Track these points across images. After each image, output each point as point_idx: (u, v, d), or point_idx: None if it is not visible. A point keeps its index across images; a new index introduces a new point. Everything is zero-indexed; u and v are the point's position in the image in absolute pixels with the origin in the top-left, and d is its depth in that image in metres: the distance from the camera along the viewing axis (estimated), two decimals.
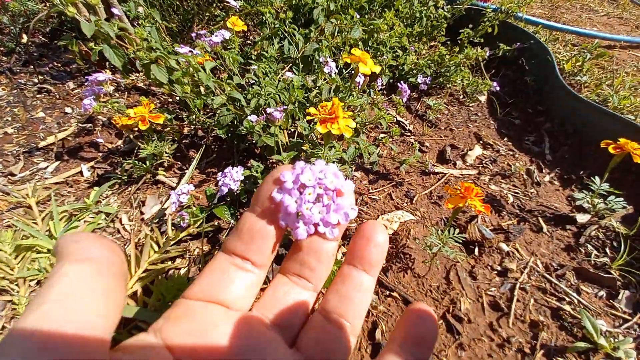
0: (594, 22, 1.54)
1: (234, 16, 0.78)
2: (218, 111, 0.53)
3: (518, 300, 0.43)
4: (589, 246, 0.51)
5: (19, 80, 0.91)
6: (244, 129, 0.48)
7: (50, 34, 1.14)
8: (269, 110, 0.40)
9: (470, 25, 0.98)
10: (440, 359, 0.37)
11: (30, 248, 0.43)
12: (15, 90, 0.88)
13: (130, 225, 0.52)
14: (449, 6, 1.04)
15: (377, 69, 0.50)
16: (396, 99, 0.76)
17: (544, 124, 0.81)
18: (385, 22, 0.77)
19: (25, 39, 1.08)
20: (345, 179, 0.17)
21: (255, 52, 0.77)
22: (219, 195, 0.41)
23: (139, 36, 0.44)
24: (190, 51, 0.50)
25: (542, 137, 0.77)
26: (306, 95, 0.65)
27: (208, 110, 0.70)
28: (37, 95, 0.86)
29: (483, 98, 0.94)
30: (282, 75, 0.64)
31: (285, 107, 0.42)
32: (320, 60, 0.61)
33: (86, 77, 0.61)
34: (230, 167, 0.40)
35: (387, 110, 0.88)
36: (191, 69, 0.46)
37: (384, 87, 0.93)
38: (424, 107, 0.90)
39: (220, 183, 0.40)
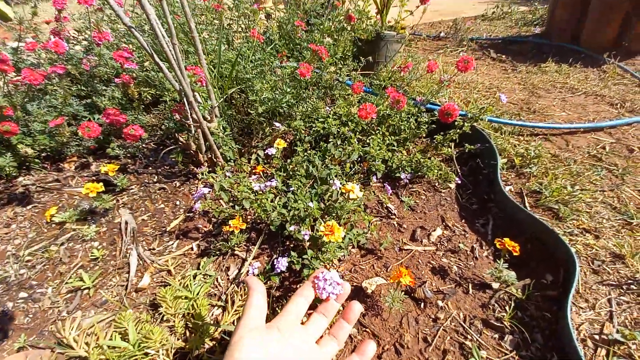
0: (566, 106, 1.83)
1: (279, 138, 1.26)
2: (272, 217, 0.95)
3: (439, 337, 0.75)
4: (496, 305, 0.81)
5: (144, 180, 1.45)
6: (287, 232, 0.89)
7: (158, 141, 1.72)
8: (302, 232, 0.80)
9: (442, 133, 1.37)
10: None
11: (178, 297, 0.85)
12: (143, 187, 1.41)
13: (222, 283, 0.93)
14: (428, 113, 1.44)
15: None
16: (382, 196, 1.15)
17: (492, 210, 1.13)
18: (373, 146, 1.19)
19: (142, 146, 1.66)
20: (342, 277, 0.55)
21: (291, 167, 1.21)
22: (275, 271, 0.81)
23: (241, 189, 0.89)
24: (259, 186, 0.94)
25: (488, 221, 1.09)
26: (323, 196, 1.06)
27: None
28: (158, 191, 1.37)
29: (452, 185, 1.28)
30: (309, 189, 1.07)
31: (309, 232, 0.82)
32: (330, 181, 1.03)
33: (196, 191, 1.08)
34: (280, 257, 0.80)
35: (379, 196, 1.26)
36: (263, 201, 0.90)
37: (379, 179, 1.32)
38: (408, 193, 1.27)
39: (275, 266, 0.79)
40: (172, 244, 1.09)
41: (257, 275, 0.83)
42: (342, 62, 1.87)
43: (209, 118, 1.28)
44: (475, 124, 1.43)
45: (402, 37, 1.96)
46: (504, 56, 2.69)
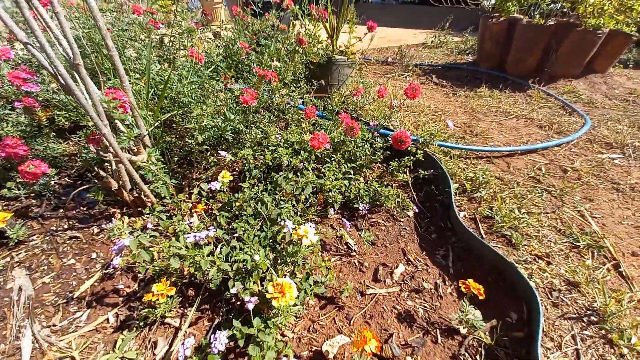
0: (502, 129, 1.98)
1: (225, 169, 1.10)
2: (209, 276, 0.78)
3: None
4: (467, 354, 0.75)
5: (51, 227, 1.16)
6: (229, 294, 0.73)
7: (76, 175, 1.43)
8: (246, 299, 0.66)
9: (397, 159, 1.35)
10: None
11: None
12: (48, 237, 1.12)
13: None
14: (382, 138, 1.42)
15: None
16: (341, 232, 1.05)
17: (451, 238, 1.10)
18: (329, 177, 1.10)
19: (52, 182, 1.36)
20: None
21: (237, 205, 1.06)
22: (212, 350, 0.64)
23: (165, 245, 0.72)
24: (195, 237, 0.78)
25: (448, 251, 1.05)
26: (275, 238, 0.93)
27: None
28: (68, 241, 1.10)
29: (411, 213, 1.25)
30: (258, 232, 0.93)
31: (257, 297, 0.68)
32: (281, 222, 0.90)
33: (116, 243, 0.87)
34: (219, 332, 0.64)
35: (339, 230, 1.17)
36: (196, 257, 0.73)
37: (336, 211, 1.23)
38: (368, 225, 1.20)
39: (212, 344, 0.63)
40: (81, 315, 0.85)
41: (191, 356, 0.65)
42: (294, 84, 1.80)
43: (135, 150, 1.08)
44: (426, 148, 1.44)
45: (353, 62, 1.97)
46: (444, 81, 2.88)
